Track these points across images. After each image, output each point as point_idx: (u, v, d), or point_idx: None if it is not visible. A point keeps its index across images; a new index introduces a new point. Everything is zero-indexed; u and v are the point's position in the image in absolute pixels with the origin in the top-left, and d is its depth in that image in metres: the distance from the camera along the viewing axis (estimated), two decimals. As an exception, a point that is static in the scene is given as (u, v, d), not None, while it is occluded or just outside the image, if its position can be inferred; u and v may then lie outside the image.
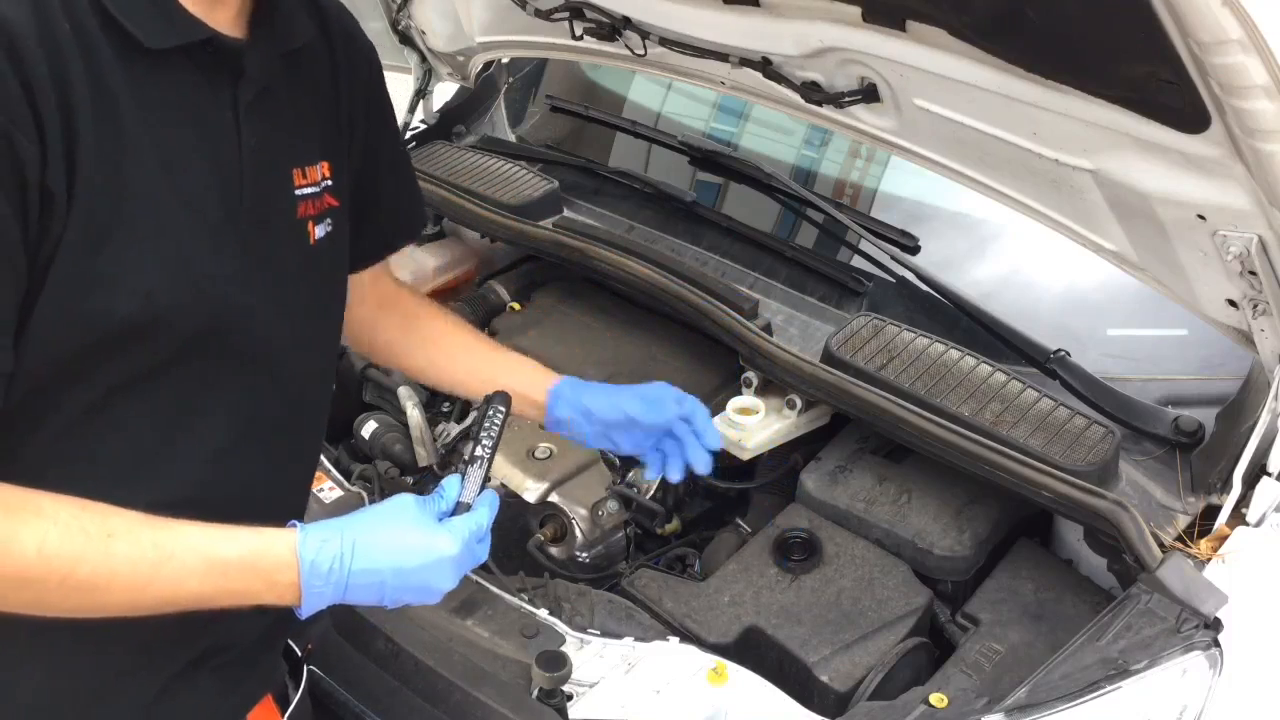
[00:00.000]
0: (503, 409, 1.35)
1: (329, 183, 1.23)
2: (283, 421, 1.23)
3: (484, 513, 1.21)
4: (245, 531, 1.07)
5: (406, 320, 1.57)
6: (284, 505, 1.26)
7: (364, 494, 1.82)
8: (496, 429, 1.33)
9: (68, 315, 0.99)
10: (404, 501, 1.18)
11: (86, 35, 0.96)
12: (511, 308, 2.32)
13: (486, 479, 1.28)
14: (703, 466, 1.49)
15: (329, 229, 1.24)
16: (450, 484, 1.23)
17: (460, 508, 1.24)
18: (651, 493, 1.93)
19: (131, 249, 1.01)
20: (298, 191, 1.19)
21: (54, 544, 0.96)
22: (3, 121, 0.90)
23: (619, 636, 1.55)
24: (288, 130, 1.18)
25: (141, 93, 1.01)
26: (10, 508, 0.96)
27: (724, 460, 1.88)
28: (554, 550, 1.84)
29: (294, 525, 1.11)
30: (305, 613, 1.10)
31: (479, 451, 1.31)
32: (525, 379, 1.54)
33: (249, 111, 1.11)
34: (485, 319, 2.34)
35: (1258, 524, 1.50)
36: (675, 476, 1.51)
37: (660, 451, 1.52)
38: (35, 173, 0.93)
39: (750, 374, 1.88)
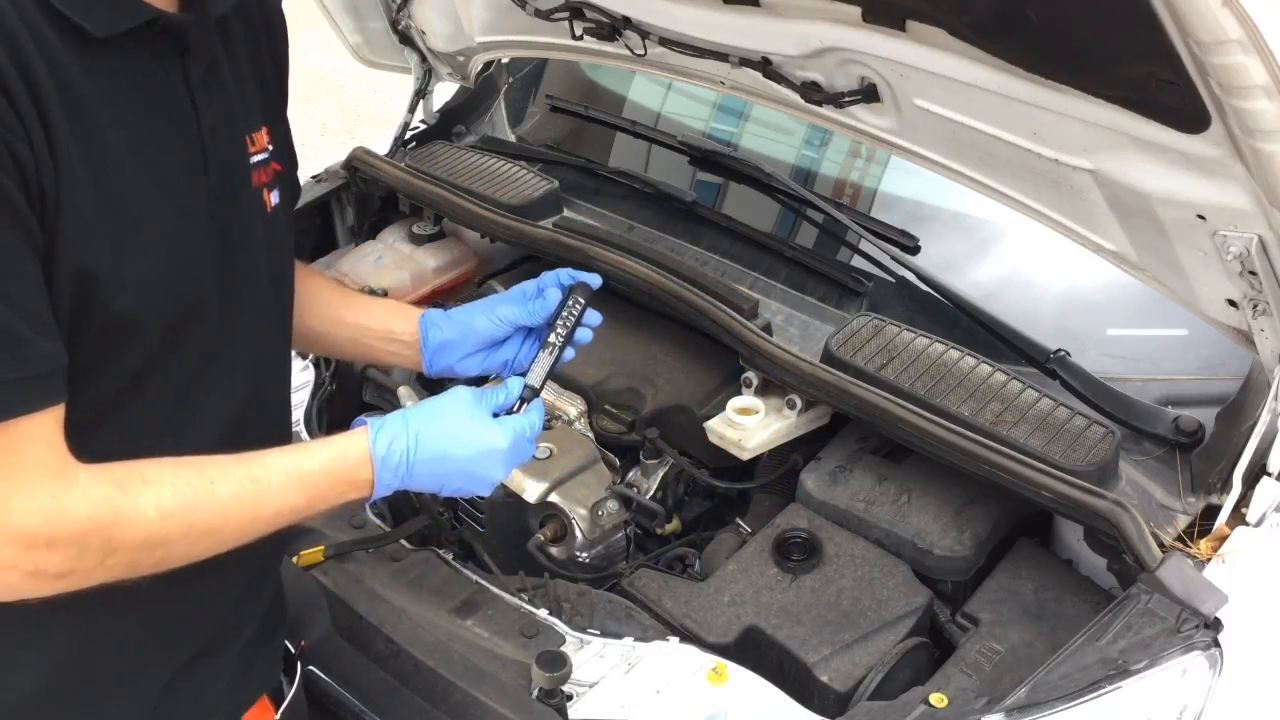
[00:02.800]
0: (581, 300, 1.46)
1: (271, 148, 1.24)
2: (267, 394, 1.26)
3: (534, 415, 1.33)
4: (317, 444, 1.18)
5: None
6: None
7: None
8: (573, 320, 1.45)
9: (70, 314, 1.00)
10: (461, 395, 1.28)
11: (40, 34, 0.96)
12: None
13: (554, 366, 1.43)
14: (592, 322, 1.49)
15: (279, 195, 1.25)
16: (513, 383, 1.34)
17: (527, 390, 1.37)
18: (651, 493, 1.93)
19: (119, 242, 1.01)
20: (251, 160, 1.20)
21: (169, 503, 1.03)
22: (1, 132, 0.90)
23: (619, 636, 1.55)
24: (234, 99, 1.18)
25: (100, 84, 1.01)
26: (120, 482, 1.01)
27: (724, 460, 1.88)
28: (554, 550, 1.84)
29: (362, 424, 1.21)
30: (374, 500, 1.21)
31: (551, 339, 1.44)
32: (392, 319, 1.51)
33: (201, 87, 1.11)
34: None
35: (1258, 524, 1.50)
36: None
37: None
38: (32, 175, 0.94)
39: (750, 374, 1.88)
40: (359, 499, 1.20)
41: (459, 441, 1.24)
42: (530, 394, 1.37)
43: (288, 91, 1.36)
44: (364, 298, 1.62)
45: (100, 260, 1.00)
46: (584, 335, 1.49)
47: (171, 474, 1.05)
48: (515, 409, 1.33)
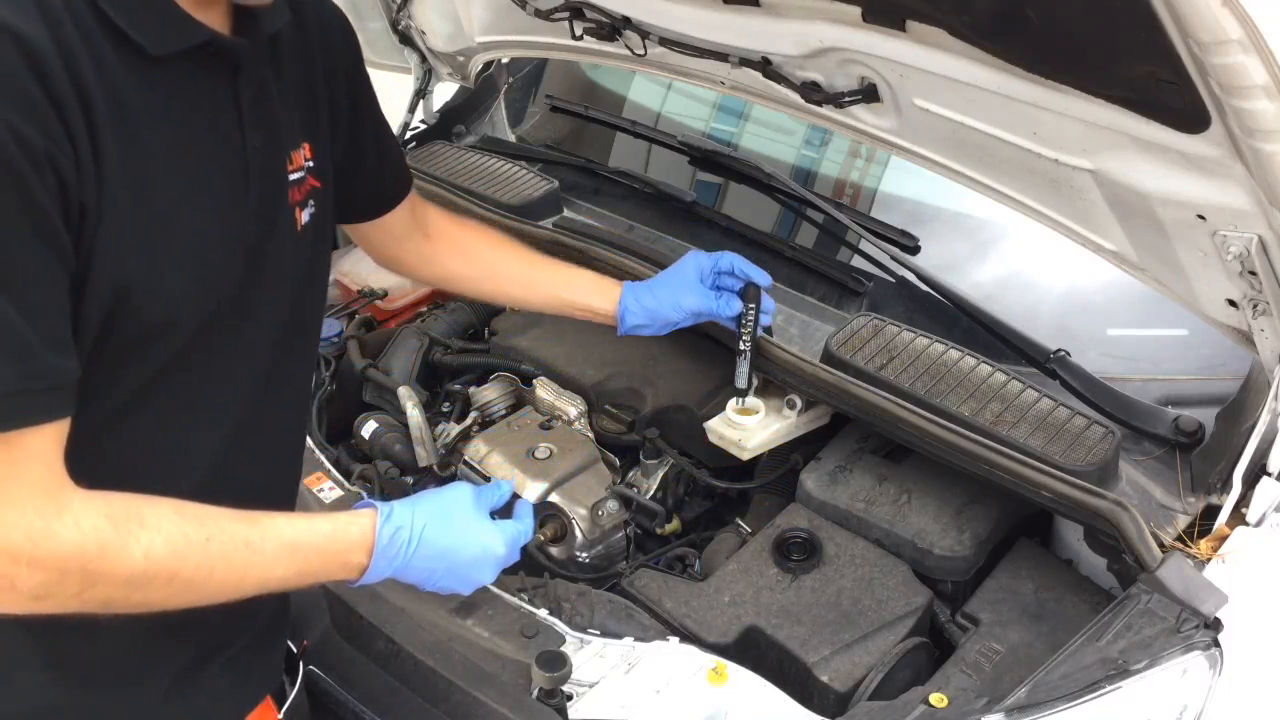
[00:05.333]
0: (754, 305, 1.74)
1: (310, 164, 1.24)
2: (275, 407, 1.26)
3: (528, 523, 1.35)
4: (321, 519, 1.17)
5: (461, 251, 1.70)
6: (282, 486, 1.34)
7: (363, 494, 1.82)
8: (752, 323, 1.74)
9: (99, 325, 1.00)
10: (463, 496, 1.29)
11: (95, 47, 0.96)
12: (511, 307, 2.32)
13: (752, 367, 1.74)
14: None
15: (313, 212, 1.25)
16: (504, 485, 1.36)
17: (742, 393, 1.76)
18: (651, 493, 1.93)
19: (155, 257, 1.02)
20: (289, 178, 1.20)
21: (159, 551, 1.02)
22: (44, 143, 0.90)
23: (619, 636, 1.55)
24: (278, 117, 1.18)
25: (151, 100, 1.01)
26: (115, 519, 1.00)
27: (724, 460, 1.88)
28: (554, 550, 1.84)
29: (370, 506, 1.21)
30: (358, 585, 1.20)
31: (742, 346, 1.74)
32: (589, 294, 1.76)
33: (249, 107, 1.12)
34: (485, 319, 2.34)
35: (1258, 524, 1.50)
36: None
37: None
38: (74, 190, 0.94)
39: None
40: (345, 580, 1.19)
41: (461, 545, 1.25)
42: (739, 393, 1.77)
43: (369, 98, 1.42)
44: (563, 268, 1.78)
45: (137, 274, 1.00)
46: (765, 320, 1.78)
47: (172, 521, 1.04)
48: (507, 510, 1.37)
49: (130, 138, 0.98)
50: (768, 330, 1.83)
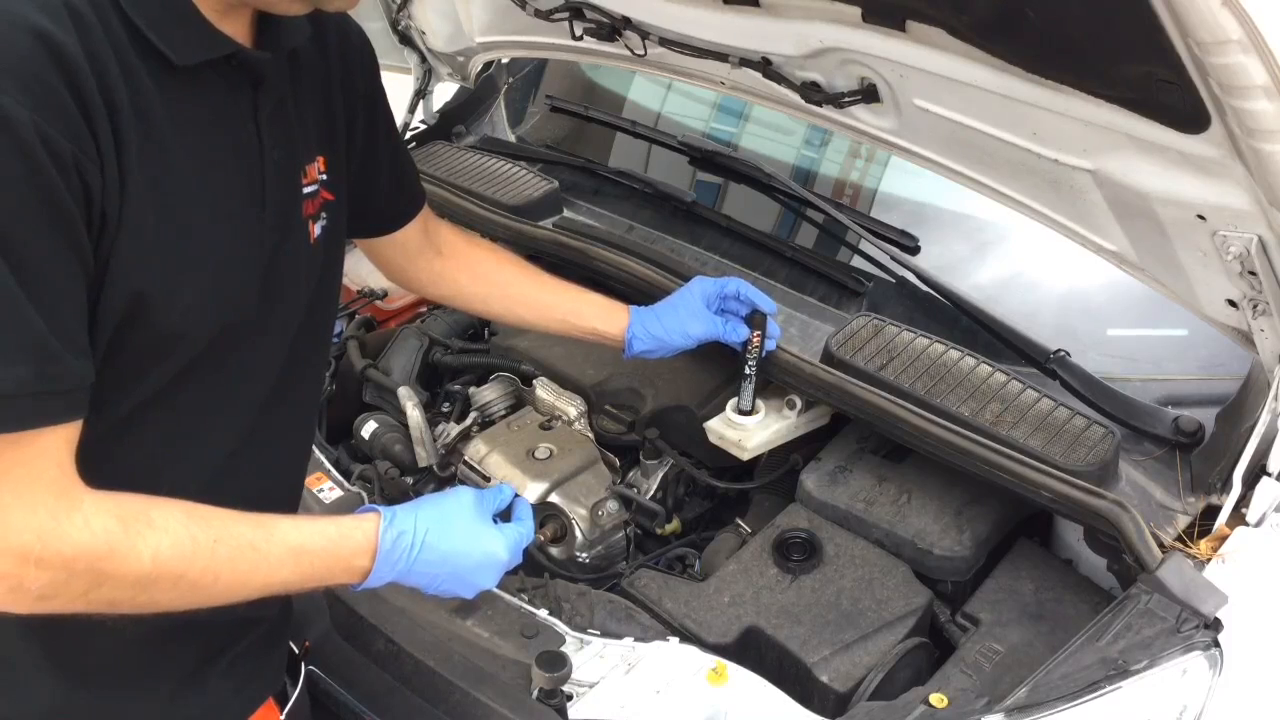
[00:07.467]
0: (760, 332, 1.77)
1: (324, 177, 1.25)
2: (282, 417, 1.26)
3: (529, 525, 1.36)
4: (326, 523, 1.17)
5: (472, 270, 1.70)
6: (287, 489, 1.35)
7: (364, 494, 1.82)
8: (757, 350, 1.77)
9: (112, 333, 1.00)
10: (465, 500, 1.29)
11: (123, 55, 0.97)
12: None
13: (755, 392, 1.80)
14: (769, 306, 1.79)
15: (325, 224, 1.25)
16: (505, 489, 1.37)
17: (745, 413, 1.80)
18: (651, 493, 1.93)
19: (172, 269, 1.02)
20: (303, 191, 1.21)
21: (166, 553, 1.02)
22: (72, 149, 0.91)
23: (619, 637, 1.55)
24: (295, 131, 1.19)
25: (175, 111, 1.02)
26: (125, 520, 1.00)
27: (724, 460, 1.88)
28: (554, 550, 1.84)
29: (373, 510, 1.21)
30: (360, 589, 1.20)
31: (747, 371, 1.79)
32: (596, 318, 1.76)
33: (268, 120, 1.12)
34: (485, 320, 2.34)
35: (1258, 524, 1.50)
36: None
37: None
38: (97, 197, 0.94)
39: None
40: (348, 584, 1.20)
41: (464, 550, 1.26)
42: (745, 414, 1.82)
43: (385, 115, 1.42)
44: (572, 291, 1.77)
45: (154, 283, 1.00)
46: (770, 345, 1.79)
47: (180, 523, 1.03)
48: (508, 514, 1.38)
49: (154, 148, 0.99)
50: (769, 355, 1.83)
